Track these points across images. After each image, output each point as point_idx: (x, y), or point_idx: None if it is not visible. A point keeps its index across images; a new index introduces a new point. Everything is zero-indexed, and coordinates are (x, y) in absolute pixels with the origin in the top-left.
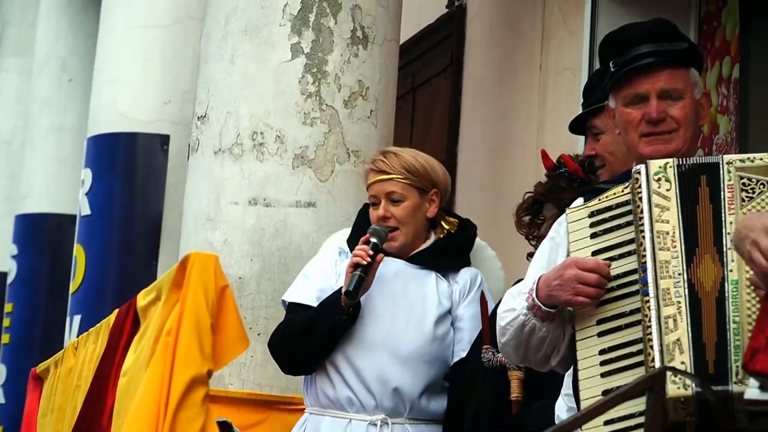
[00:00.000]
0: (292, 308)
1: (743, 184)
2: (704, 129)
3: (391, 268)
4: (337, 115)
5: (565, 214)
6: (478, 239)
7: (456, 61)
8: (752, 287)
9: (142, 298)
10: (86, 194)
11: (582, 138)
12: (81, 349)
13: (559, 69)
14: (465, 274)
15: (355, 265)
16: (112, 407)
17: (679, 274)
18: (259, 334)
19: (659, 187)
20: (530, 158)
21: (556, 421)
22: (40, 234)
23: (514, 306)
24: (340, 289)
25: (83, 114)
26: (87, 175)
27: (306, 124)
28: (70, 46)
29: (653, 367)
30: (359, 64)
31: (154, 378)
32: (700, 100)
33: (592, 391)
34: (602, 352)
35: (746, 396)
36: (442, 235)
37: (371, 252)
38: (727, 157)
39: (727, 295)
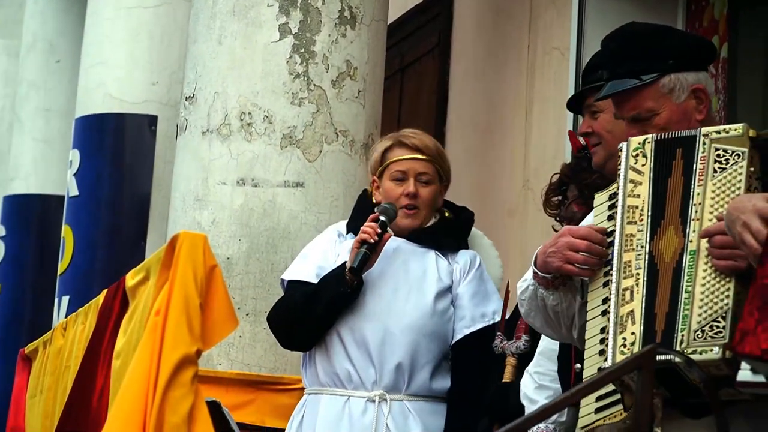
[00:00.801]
0: (292, 285)
1: (717, 155)
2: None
3: (390, 245)
4: (325, 95)
5: (594, 197)
6: (474, 228)
7: (444, 41)
8: (709, 257)
9: (131, 278)
10: (74, 175)
11: (570, 117)
12: (70, 330)
13: (548, 49)
14: (464, 255)
15: (361, 242)
16: (102, 388)
17: (642, 247)
18: (247, 314)
19: (635, 163)
20: (518, 138)
21: (522, 398)
22: (28, 215)
23: (526, 277)
24: (343, 264)
25: (71, 95)
26: (75, 156)
27: (294, 105)
28: (57, 27)
29: (607, 339)
30: (347, 45)
31: (143, 358)
32: (684, 101)
33: (592, 369)
34: (602, 330)
35: (739, 378)
36: (437, 218)
37: (379, 230)
38: (704, 130)
39: (684, 265)
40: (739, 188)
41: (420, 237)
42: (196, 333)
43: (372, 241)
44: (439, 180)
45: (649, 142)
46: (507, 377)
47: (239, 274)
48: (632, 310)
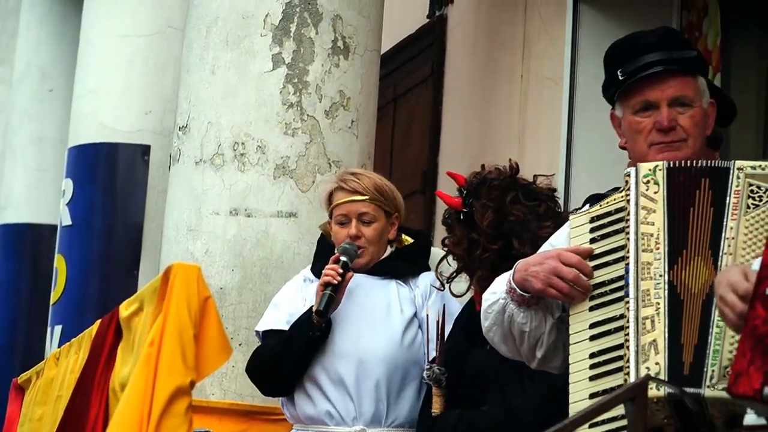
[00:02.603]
0: (267, 335)
1: (751, 191)
2: None
3: (352, 282)
4: (318, 126)
5: (569, 219)
6: (436, 249)
7: (437, 71)
8: None
9: (125, 309)
10: (67, 204)
11: (564, 146)
12: (63, 360)
13: (541, 77)
14: (425, 279)
15: (325, 284)
16: (95, 417)
17: (660, 276)
18: (240, 344)
19: (647, 190)
20: None
21: None
22: (21, 244)
23: (495, 289)
24: (310, 309)
25: (64, 124)
26: (68, 185)
27: (287, 135)
28: (50, 55)
29: (628, 368)
30: (340, 75)
31: (137, 388)
32: (706, 109)
33: (580, 394)
34: (592, 355)
35: (745, 422)
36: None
37: (341, 270)
38: (739, 163)
39: (714, 298)
40: None
41: (378, 269)
42: (189, 364)
43: (335, 282)
44: (385, 215)
45: (660, 170)
46: (436, 407)
47: (232, 304)
48: (654, 340)
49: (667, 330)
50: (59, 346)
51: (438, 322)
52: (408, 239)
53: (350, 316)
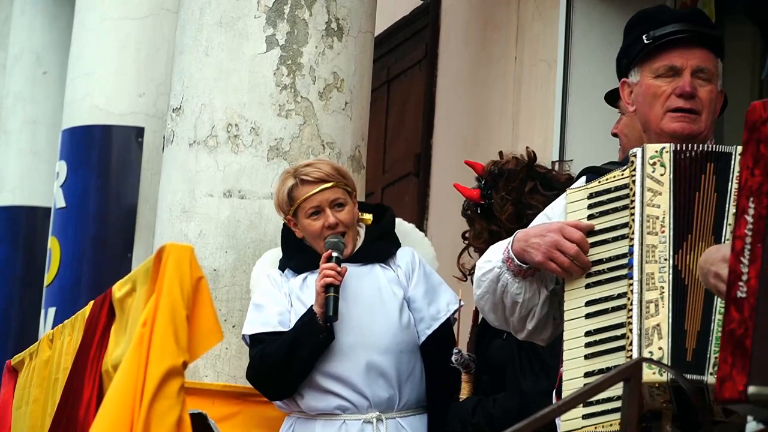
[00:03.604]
0: (258, 339)
1: None
2: None
3: None
4: (312, 107)
5: (565, 193)
6: (405, 224)
7: (431, 53)
8: None
9: (118, 290)
10: (61, 186)
11: (558, 128)
12: (57, 341)
13: (534, 60)
14: (403, 257)
15: (326, 286)
16: (89, 399)
17: (665, 260)
18: (234, 326)
19: (653, 171)
20: (505, 150)
21: None
22: (15, 226)
23: (491, 258)
24: (310, 310)
25: (58, 107)
26: (62, 167)
27: (281, 116)
28: (44, 39)
29: (631, 351)
30: (334, 56)
31: (129, 369)
32: (719, 92)
33: (574, 372)
34: (588, 333)
35: (747, 431)
36: (364, 229)
37: (339, 269)
38: (740, 148)
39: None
40: None
41: (360, 256)
42: (182, 344)
43: (338, 282)
44: (350, 196)
45: (666, 152)
46: (464, 392)
47: (226, 285)
48: (658, 324)
49: (671, 315)
50: (52, 328)
51: (447, 306)
52: (366, 216)
53: (348, 309)
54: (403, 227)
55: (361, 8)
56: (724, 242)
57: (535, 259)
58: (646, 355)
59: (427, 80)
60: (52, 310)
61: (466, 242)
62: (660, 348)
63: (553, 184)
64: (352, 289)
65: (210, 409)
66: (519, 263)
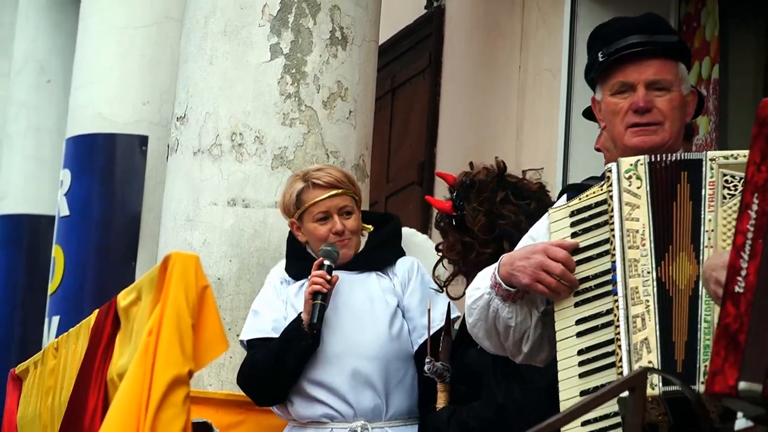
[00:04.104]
0: (252, 344)
1: (726, 181)
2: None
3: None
4: (316, 116)
5: (547, 213)
6: (417, 234)
7: (435, 62)
8: None
9: (123, 299)
10: (65, 195)
11: (561, 138)
12: (62, 350)
13: (538, 69)
14: (402, 265)
15: (314, 293)
16: (94, 408)
17: (648, 273)
18: (237, 335)
19: (630, 185)
20: (509, 159)
21: None
22: (19, 234)
23: (479, 285)
24: (299, 317)
25: (61, 115)
26: (66, 175)
27: (285, 125)
28: (48, 47)
29: (621, 367)
30: (338, 65)
31: (134, 378)
32: (686, 96)
33: (570, 392)
34: (580, 352)
35: (737, 427)
36: (365, 236)
37: (329, 277)
38: (710, 154)
39: (700, 293)
40: None
41: (356, 264)
42: (188, 353)
43: (325, 290)
44: (356, 205)
45: (641, 164)
46: (440, 402)
47: (230, 294)
48: (646, 338)
49: (658, 328)
50: (57, 337)
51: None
52: (366, 226)
53: (337, 317)
54: (415, 238)
55: (365, 17)
56: (702, 250)
57: (522, 282)
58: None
59: (430, 89)
60: (56, 319)
61: (440, 254)
62: (650, 362)
63: (524, 193)
64: (344, 296)
65: (214, 417)
66: (507, 287)
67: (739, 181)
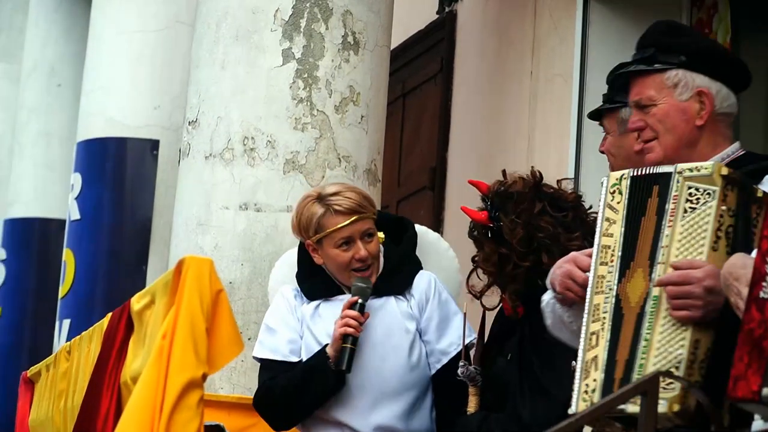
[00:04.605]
0: (268, 366)
1: (690, 194)
2: None
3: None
4: (328, 121)
5: None
6: (430, 233)
7: (446, 67)
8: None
9: (137, 302)
10: (76, 199)
11: (573, 143)
12: (75, 353)
13: (550, 75)
14: (419, 285)
15: (344, 336)
16: (107, 411)
17: (611, 290)
18: (249, 339)
19: (612, 200)
20: (520, 165)
21: None
22: (29, 238)
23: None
24: (323, 350)
25: (72, 119)
26: (76, 179)
27: (297, 130)
28: (58, 51)
29: (576, 384)
30: (350, 70)
31: (149, 381)
32: (687, 100)
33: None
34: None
35: (753, 429)
36: (381, 248)
37: (362, 320)
38: (679, 166)
39: (646, 311)
40: (705, 229)
41: (376, 289)
42: (202, 357)
43: (357, 334)
44: (375, 225)
45: (625, 178)
46: (471, 406)
47: (241, 298)
48: (596, 356)
49: (607, 345)
50: (67, 341)
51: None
52: (379, 234)
53: (359, 349)
54: (427, 237)
55: (377, 22)
56: (656, 267)
57: (557, 290)
58: (583, 388)
59: (442, 94)
60: (66, 322)
61: (475, 264)
62: (594, 380)
63: (561, 204)
64: (365, 327)
65: (226, 421)
66: (556, 293)
67: (702, 193)
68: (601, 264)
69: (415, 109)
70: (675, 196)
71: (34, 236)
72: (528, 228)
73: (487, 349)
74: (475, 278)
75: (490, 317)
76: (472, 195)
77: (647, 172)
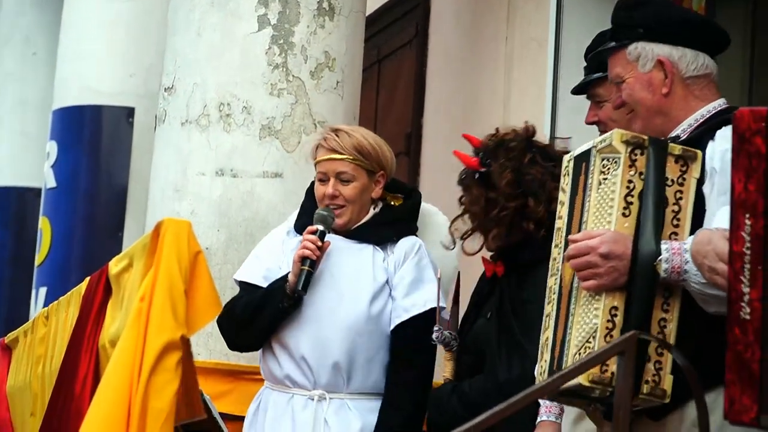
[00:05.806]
0: (242, 287)
1: (603, 165)
2: None
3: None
4: (303, 86)
5: None
6: (429, 206)
7: (421, 33)
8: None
9: (114, 266)
10: (51, 167)
11: (549, 108)
12: (53, 318)
13: (525, 40)
14: (402, 244)
15: (302, 258)
16: (85, 375)
17: (558, 270)
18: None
19: (563, 182)
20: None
21: None
22: (5, 207)
23: None
24: (285, 277)
25: (47, 87)
26: (52, 147)
27: (273, 95)
28: (34, 20)
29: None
30: (325, 36)
31: (127, 343)
32: (651, 71)
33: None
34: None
35: None
36: (378, 209)
37: (320, 243)
38: (595, 140)
39: (573, 287)
40: (613, 198)
41: (356, 233)
42: (180, 319)
43: (314, 257)
44: (367, 174)
45: (569, 160)
46: (446, 372)
47: (218, 264)
48: (548, 338)
49: (553, 326)
50: (45, 307)
51: (454, 285)
52: (397, 198)
53: (318, 282)
54: (426, 209)
55: None
56: None
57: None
58: (538, 371)
59: (417, 59)
60: (43, 290)
61: (462, 207)
62: (545, 360)
63: (552, 155)
64: (331, 264)
65: (203, 386)
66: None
67: (611, 163)
68: (555, 246)
69: (391, 75)
70: (591, 170)
71: (11, 205)
72: (516, 173)
73: (467, 314)
74: (459, 222)
75: (465, 279)
76: (448, 160)
77: (581, 151)
